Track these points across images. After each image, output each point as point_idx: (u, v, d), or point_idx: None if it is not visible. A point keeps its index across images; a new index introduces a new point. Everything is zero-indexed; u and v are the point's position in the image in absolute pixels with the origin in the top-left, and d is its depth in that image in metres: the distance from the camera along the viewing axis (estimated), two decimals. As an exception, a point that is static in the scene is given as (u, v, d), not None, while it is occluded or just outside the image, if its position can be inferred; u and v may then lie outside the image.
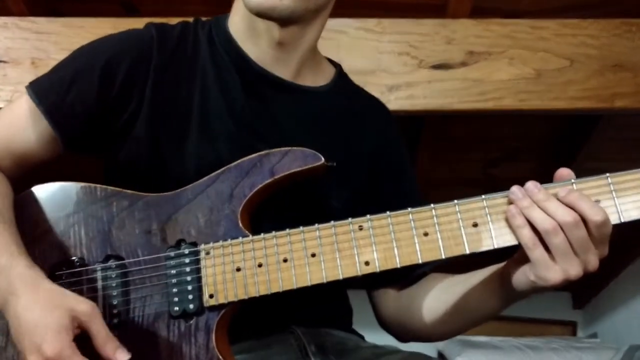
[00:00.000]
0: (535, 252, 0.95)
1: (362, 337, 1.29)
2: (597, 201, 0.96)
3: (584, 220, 0.93)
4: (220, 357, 1.02)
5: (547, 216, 0.94)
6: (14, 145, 1.19)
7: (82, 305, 0.98)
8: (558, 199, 0.95)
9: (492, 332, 3.97)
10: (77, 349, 0.95)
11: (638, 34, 2.31)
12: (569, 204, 0.94)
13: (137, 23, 1.29)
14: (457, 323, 1.20)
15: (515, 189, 0.97)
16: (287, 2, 1.14)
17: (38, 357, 0.93)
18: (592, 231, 0.94)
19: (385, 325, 1.31)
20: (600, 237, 0.94)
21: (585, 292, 4.40)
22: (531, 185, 0.97)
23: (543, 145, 3.20)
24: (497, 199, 0.99)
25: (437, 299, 1.21)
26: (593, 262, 0.95)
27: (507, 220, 0.97)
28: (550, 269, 0.95)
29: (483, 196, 1.00)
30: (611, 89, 2.27)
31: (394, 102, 2.22)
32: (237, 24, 1.26)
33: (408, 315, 1.26)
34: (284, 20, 1.18)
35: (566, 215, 0.93)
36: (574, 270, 0.95)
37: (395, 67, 2.28)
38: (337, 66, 1.38)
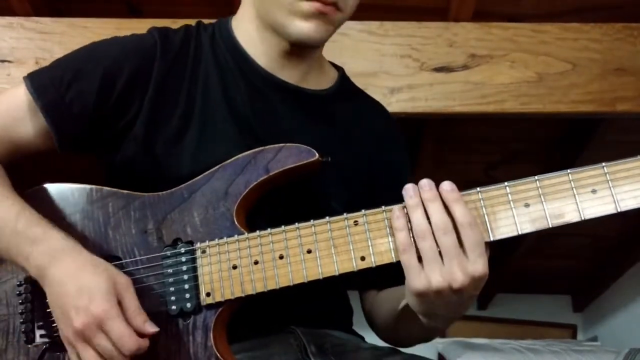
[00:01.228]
0: (404, 256, 0.96)
1: (362, 338, 1.29)
2: (594, 191, 0.95)
3: (457, 226, 0.94)
4: (219, 355, 1.03)
5: (424, 219, 0.94)
6: (9, 134, 1.19)
7: (121, 277, 1.03)
8: (442, 199, 0.95)
9: (492, 335, 3.97)
10: (121, 313, 0.99)
11: (640, 38, 2.31)
12: (446, 203, 0.95)
13: (141, 24, 1.30)
14: (397, 335, 1.24)
15: (409, 186, 0.98)
16: (322, 34, 1.19)
17: (86, 316, 0.97)
18: (462, 237, 0.94)
19: (368, 322, 1.34)
20: (470, 245, 0.94)
21: (585, 295, 4.40)
22: (424, 182, 0.97)
23: (544, 148, 3.20)
24: (492, 191, 0.99)
25: (382, 306, 1.25)
26: (458, 277, 0.93)
27: (502, 213, 0.97)
28: (416, 275, 0.95)
29: (478, 189, 0.99)
30: (613, 93, 2.27)
31: (396, 104, 2.23)
32: (247, 30, 1.26)
33: (372, 316, 1.30)
34: (311, 46, 1.22)
35: (438, 220, 0.94)
36: (435, 278, 0.93)
37: (397, 70, 2.28)
38: (339, 69, 1.39)
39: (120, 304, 1.01)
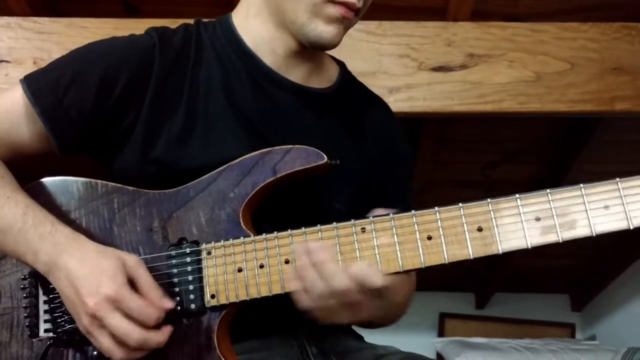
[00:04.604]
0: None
1: (361, 338, 1.29)
2: (607, 207, 0.95)
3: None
4: (222, 357, 1.02)
5: (320, 281, 0.96)
6: (8, 137, 1.18)
7: (130, 257, 1.03)
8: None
9: (490, 334, 3.98)
10: (131, 289, 0.99)
11: (638, 37, 2.32)
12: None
13: (139, 23, 1.29)
14: None
15: (296, 247, 1.01)
16: (340, 38, 1.19)
17: (97, 298, 0.97)
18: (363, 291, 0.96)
19: None
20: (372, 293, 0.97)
21: (584, 294, 4.41)
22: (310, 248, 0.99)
23: (542, 148, 3.20)
24: (502, 203, 0.98)
25: None
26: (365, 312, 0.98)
27: (511, 226, 0.97)
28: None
29: (488, 200, 0.99)
30: (611, 92, 2.28)
31: (394, 104, 2.22)
32: (254, 28, 1.25)
33: None
34: (325, 49, 1.22)
35: (340, 284, 0.95)
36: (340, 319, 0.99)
37: (395, 69, 2.28)
38: (340, 65, 1.38)
39: (134, 283, 1.01)
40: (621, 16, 2.34)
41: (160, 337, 0.99)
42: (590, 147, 2.95)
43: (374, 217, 1.02)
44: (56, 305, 1.09)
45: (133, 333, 0.97)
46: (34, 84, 1.16)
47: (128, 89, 1.16)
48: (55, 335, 1.08)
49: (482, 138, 3.11)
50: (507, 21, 2.35)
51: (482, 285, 4.36)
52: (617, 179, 0.96)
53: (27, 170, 1.19)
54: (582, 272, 4.19)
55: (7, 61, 2.22)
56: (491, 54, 2.30)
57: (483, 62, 2.30)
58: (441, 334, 4.30)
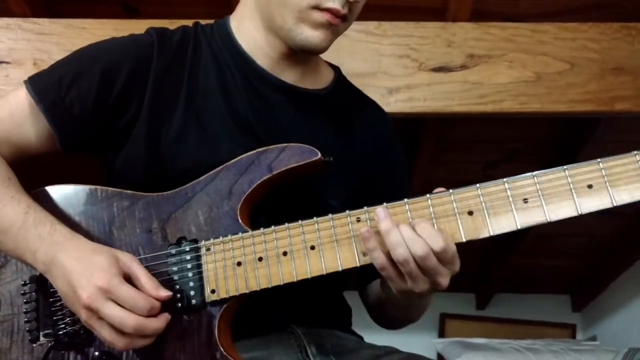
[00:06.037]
0: (386, 272, 1.01)
1: (361, 338, 1.30)
2: (590, 187, 0.98)
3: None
4: (223, 350, 1.03)
5: (402, 244, 0.98)
6: (13, 138, 1.20)
7: (124, 254, 1.05)
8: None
9: (491, 334, 3.97)
10: (124, 281, 1.00)
11: (638, 37, 2.32)
12: (418, 234, 0.98)
13: (138, 24, 1.30)
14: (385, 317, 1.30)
15: (380, 209, 1.01)
16: (327, 44, 1.21)
17: (89, 290, 0.99)
18: (439, 257, 0.98)
19: (371, 315, 1.36)
20: (446, 259, 0.99)
21: (584, 294, 4.40)
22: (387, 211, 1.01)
23: (542, 148, 3.20)
24: (490, 187, 1.01)
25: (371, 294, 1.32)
26: (443, 282, 1.01)
27: (501, 208, 1.00)
28: (401, 284, 1.01)
29: (477, 185, 1.02)
30: (611, 92, 2.28)
31: (394, 104, 2.23)
32: (248, 30, 1.27)
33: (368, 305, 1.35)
34: (313, 53, 1.25)
35: (418, 249, 0.97)
36: (420, 288, 1.01)
37: (395, 70, 2.29)
38: (336, 69, 1.40)
39: (130, 278, 1.02)
40: (621, 16, 2.34)
41: (157, 323, 1.00)
42: (590, 147, 2.95)
43: (368, 207, 1.04)
44: (56, 308, 1.10)
45: (128, 320, 0.98)
46: (37, 83, 1.20)
47: (128, 85, 1.19)
48: (55, 339, 1.09)
49: (482, 138, 3.11)
50: (506, 21, 2.35)
51: (482, 286, 4.36)
52: (599, 159, 1.00)
53: (31, 178, 1.20)
54: (583, 272, 4.18)
55: (7, 62, 2.23)
56: (491, 55, 2.31)
57: (483, 62, 2.30)
58: (442, 334, 4.30)
